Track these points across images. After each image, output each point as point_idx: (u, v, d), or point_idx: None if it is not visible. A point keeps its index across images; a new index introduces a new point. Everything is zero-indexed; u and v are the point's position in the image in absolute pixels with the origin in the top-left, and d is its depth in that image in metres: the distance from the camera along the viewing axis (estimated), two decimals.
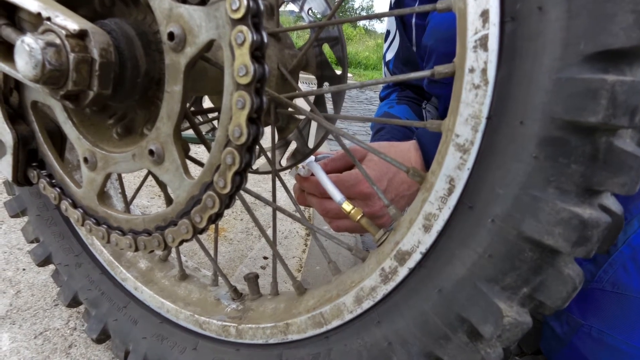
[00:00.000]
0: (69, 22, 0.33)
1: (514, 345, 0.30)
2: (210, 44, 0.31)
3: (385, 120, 0.39)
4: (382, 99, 0.99)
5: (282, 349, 0.44)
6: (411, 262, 0.34)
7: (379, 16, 0.36)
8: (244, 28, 0.28)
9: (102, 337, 0.57)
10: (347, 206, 0.44)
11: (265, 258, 0.93)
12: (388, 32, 0.93)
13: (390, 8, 0.86)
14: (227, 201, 0.35)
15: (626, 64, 0.23)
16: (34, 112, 0.46)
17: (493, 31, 0.27)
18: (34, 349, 0.58)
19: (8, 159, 0.47)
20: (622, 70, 0.23)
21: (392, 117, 0.85)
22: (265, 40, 0.29)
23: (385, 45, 0.94)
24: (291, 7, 0.55)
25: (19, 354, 0.56)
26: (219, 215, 0.36)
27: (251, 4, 0.27)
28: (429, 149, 0.61)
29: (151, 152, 0.37)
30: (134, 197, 0.61)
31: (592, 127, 0.24)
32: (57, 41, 0.33)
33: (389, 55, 0.93)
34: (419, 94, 0.92)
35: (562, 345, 0.59)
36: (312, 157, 0.55)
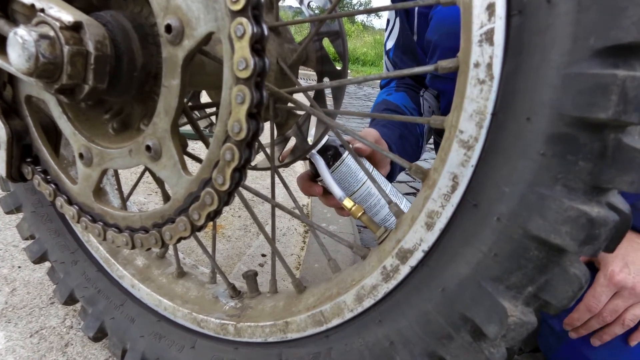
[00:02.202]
0: (64, 13, 0.32)
1: (517, 345, 0.29)
2: (208, 37, 0.30)
3: (388, 117, 0.39)
4: (382, 87, 0.98)
5: (281, 347, 0.44)
6: (413, 261, 0.34)
7: (381, 9, 0.36)
8: (244, 20, 0.27)
9: (99, 336, 0.56)
10: (347, 203, 0.44)
11: (263, 255, 0.92)
12: (388, 20, 0.92)
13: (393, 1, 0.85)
14: (225, 198, 0.34)
15: (637, 59, 0.23)
16: (28, 107, 0.45)
17: (499, 25, 0.27)
18: (29, 348, 0.57)
19: (2, 154, 0.46)
20: (633, 65, 0.23)
21: (389, 104, 0.85)
22: (266, 32, 0.28)
23: (386, 34, 0.93)
24: (289, 2, 0.54)
25: (14, 353, 0.56)
26: (217, 213, 0.36)
27: None
28: None
29: (148, 148, 0.36)
30: (130, 193, 0.60)
31: (601, 123, 0.24)
32: (51, 33, 0.32)
33: (389, 44, 0.92)
34: (417, 81, 0.91)
35: (560, 343, 0.59)
36: (314, 151, 0.54)
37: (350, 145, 0.54)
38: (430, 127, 0.89)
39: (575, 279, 0.27)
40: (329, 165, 0.54)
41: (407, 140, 0.79)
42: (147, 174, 0.61)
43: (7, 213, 0.63)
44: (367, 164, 0.57)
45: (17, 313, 0.63)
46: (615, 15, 0.23)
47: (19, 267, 0.74)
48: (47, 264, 0.63)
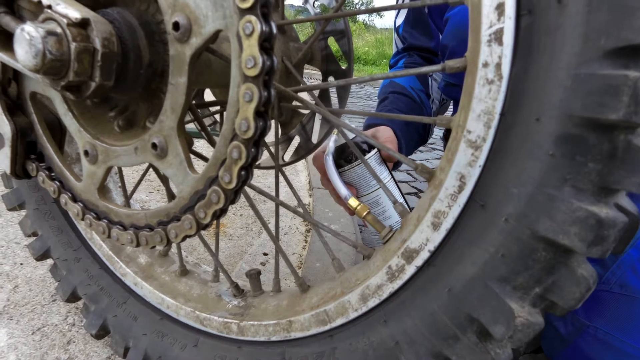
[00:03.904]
0: (71, 10, 0.32)
1: (524, 346, 0.29)
2: (216, 35, 0.30)
3: (391, 116, 0.39)
4: (391, 66, 0.97)
5: (285, 346, 0.43)
6: (419, 261, 0.34)
7: (388, 9, 0.36)
8: (253, 18, 0.27)
9: (102, 333, 0.56)
10: (353, 202, 0.44)
11: (265, 254, 0.92)
12: None
13: None
14: (232, 197, 0.34)
15: None
16: (33, 104, 0.45)
17: (509, 25, 0.27)
18: (31, 345, 0.57)
19: (6, 151, 0.46)
20: None
21: (396, 85, 0.84)
22: (275, 31, 0.28)
23: (396, 11, 0.93)
24: (291, 0, 0.54)
25: (16, 350, 0.56)
26: (223, 211, 0.36)
27: None
28: None
29: (154, 146, 0.36)
30: (134, 190, 0.60)
31: (611, 124, 0.24)
32: (58, 30, 0.32)
33: (399, 20, 0.91)
34: (426, 59, 0.91)
35: (565, 346, 0.59)
36: (332, 145, 0.53)
37: (375, 149, 0.53)
38: (441, 107, 0.88)
39: (583, 280, 0.27)
40: (349, 162, 0.53)
41: (412, 125, 0.78)
42: (149, 172, 0.61)
43: (10, 210, 0.63)
44: (386, 173, 0.56)
45: (19, 310, 0.63)
46: (627, 15, 0.23)
47: (21, 264, 0.74)
48: (49, 262, 0.63)
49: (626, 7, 0.23)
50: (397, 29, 0.93)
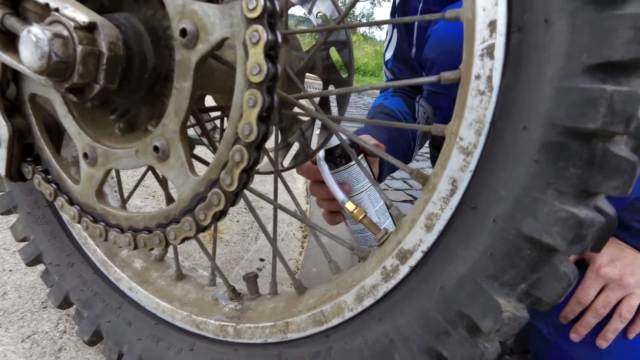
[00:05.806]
0: (79, 14, 0.33)
1: (511, 340, 0.31)
2: (222, 42, 0.32)
3: (390, 124, 0.40)
4: (380, 91, 1.02)
5: (281, 348, 0.44)
6: (412, 261, 0.35)
7: (387, 22, 0.38)
8: (260, 27, 0.29)
9: (95, 339, 0.56)
10: (349, 206, 0.45)
11: (261, 260, 0.93)
12: (387, 32, 0.96)
13: (394, 9, 0.88)
14: (232, 199, 0.35)
15: (624, 75, 0.25)
16: (32, 105, 0.45)
17: (500, 41, 0.29)
18: (21, 353, 0.56)
19: (2, 152, 0.46)
20: (620, 81, 0.25)
21: (384, 107, 0.89)
22: (280, 40, 0.29)
23: (385, 45, 0.97)
24: (292, 10, 0.56)
25: (5, 358, 0.54)
26: (223, 213, 0.36)
27: (267, 4, 0.28)
28: None
29: (156, 149, 0.36)
30: (130, 195, 0.60)
31: (590, 133, 0.26)
32: (65, 33, 0.33)
33: (388, 55, 0.96)
34: (413, 87, 0.95)
35: (548, 346, 0.61)
36: (322, 153, 0.55)
37: (362, 154, 0.55)
38: (425, 133, 0.92)
39: (564, 276, 0.29)
40: (336, 165, 0.55)
41: (397, 143, 0.81)
42: (145, 177, 0.61)
43: (3, 214, 0.62)
44: (367, 180, 0.58)
45: (9, 317, 0.62)
46: (606, 35, 0.25)
47: (10, 270, 0.73)
48: (39, 268, 0.62)
49: (606, 28, 0.25)
50: (386, 63, 0.98)
